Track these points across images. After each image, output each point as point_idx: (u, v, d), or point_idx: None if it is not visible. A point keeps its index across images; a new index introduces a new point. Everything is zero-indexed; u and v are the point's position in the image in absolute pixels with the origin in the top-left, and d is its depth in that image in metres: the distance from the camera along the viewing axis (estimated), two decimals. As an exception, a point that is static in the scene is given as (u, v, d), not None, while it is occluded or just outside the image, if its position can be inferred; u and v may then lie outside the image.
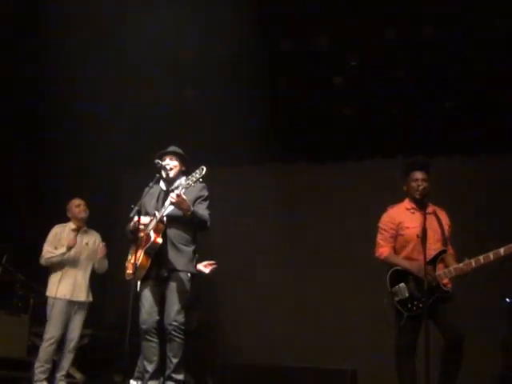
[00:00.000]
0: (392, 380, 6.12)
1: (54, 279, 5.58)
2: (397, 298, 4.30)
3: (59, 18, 5.90)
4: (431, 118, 6.89)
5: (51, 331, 5.44)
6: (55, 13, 5.85)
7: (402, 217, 4.44)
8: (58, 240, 5.66)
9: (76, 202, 5.76)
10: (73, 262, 5.60)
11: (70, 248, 5.55)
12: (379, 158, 7.46)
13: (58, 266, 5.59)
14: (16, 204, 6.86)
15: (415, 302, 4.21)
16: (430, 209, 4.34)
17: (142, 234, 4.37)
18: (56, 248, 5.62)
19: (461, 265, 4.16)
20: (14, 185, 6.86)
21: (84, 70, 6.55)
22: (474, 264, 4.11)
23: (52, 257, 5.58)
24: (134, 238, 4.42)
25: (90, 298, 5.68)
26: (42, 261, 5.64)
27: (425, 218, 4.15)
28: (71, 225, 5.75)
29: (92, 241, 5.76)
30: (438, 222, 4.31)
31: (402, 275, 4.32)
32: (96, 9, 5.94)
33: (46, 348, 5.43)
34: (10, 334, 6.06)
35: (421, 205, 4.32)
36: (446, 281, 4.22)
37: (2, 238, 6.42)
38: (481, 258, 4.10)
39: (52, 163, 7.07)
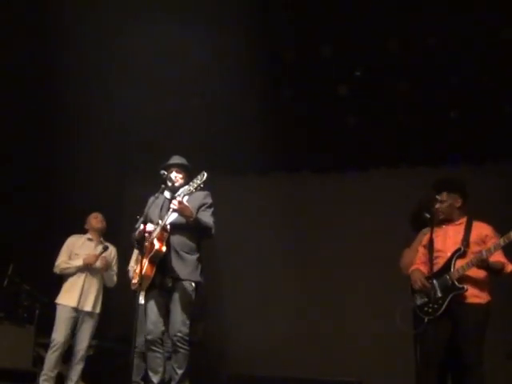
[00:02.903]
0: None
1: (64, 286, 5.62)
2: (417, 303, 4.36)
3: (66, 24, 5.96)
4: (436, 127, 6.88)
5: (55, 337, 5.44)
6: (62, 21, 5.91)
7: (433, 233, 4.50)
8: (72, 250, 5.71)
9: (94, 214, 5.91)
10: (85, 272, 5.62)
11: (86, 264, 5.57)
12: (383, 167, 7.45)
13: (70, 273, 5.63)
14: (22, 215, 6.87)
15: (431, 305, 4.24)
16: (460, 222, 4.41)
17: (146, 244, 4.37)
18: (70, 257, 5.67)
19: (473, 258, 4.19)
20: (20, 196, 6.87)
21: (90, 79, 6.59)
22: (484, 254, 4.13)
23: (67, 268, 5.62)
24: (140, 248, 4.42)
25: (98, 310, 5.67)
26: (57, 270, 5.68)
27: (432, 230, 4.33)
28: (88, 236, 5.84)
29: (108, 253, 5.78)
30: (465, 231, 4.34)
31: None
32: (103, 15, 5.99)
33: (50, 355, 5.43)
34: (16, 345, 6.03)
35: (446, 220, 4.46)
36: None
37: (8, 249, 6.43)
38: (491, 247, 4.14)
39: (58, 174, 7.09)
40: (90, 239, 5.82)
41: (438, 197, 4.47)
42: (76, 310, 5.52)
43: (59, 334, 5.44)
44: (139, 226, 4.45)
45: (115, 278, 5.86)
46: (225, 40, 6.18)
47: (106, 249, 5.67)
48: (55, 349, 5.42)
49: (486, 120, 6.63)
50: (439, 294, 4.20)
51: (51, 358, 5.41)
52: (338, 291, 7.18)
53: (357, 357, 6.78)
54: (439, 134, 6.92)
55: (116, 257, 5.91)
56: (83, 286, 5.59)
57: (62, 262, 5.66)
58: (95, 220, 5.87)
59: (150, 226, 4.41)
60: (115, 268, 5.89)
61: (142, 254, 4.31)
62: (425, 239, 4.54)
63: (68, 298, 5.53)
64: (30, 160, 7.04)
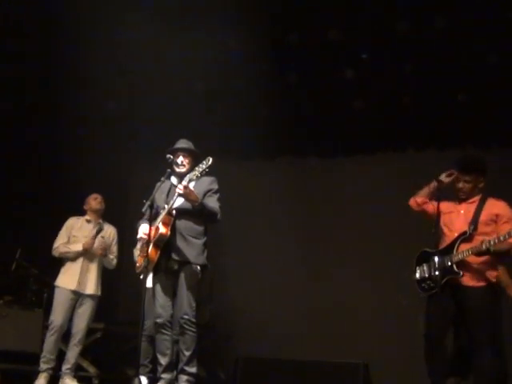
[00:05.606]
0: (403, 374, 6.17)
1: (63, 269, 5.64)
2: (416, 277, 4.38)
3: (68, 14, 5.94)
4: (443, 110, 6.84)
5: (53, 320, 5.47)
6: (64, 11, 5.89)
7: (446, 205, 4.45)
8: (71, 232, 5.72)
9: (94, 195, 5.90)
10: (84, 254, 5.61)
11: (85, 250, 5.57)
12: (390, 151, 7.43)
13: (69, 258, 5.63)
14: (29, 198, 6.90)
15: (429, 282, 4.26)
16: (473, 200, 4.36)
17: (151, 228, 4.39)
18: (69, 240, 5.68)
19: (473, 248, 4.16)
20: (27, 178, 6.89)
21: (96, 64, 6.58)
22: (484, 245, 4.09)
23: (67, 252, 5.63)
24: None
25: (99, 292, 5.67)
26: (55, 253, 5.69)
27: (438, 206, 4.30)
28: (86, 217, 5.84)
29: (107, 234, 5.79)
30: (476, 211, 4.29)
31: (427, 256, 4.39)
32: (107, 6, 5.98)
33: (48, 338, 5.46)
34: (25, 329, 6.10)
35: (462, 199, 4.41)
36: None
37: (16, 233, 6.46)
38: (496, 239, 4.09)
39: (65, 158, 7.11)
40: (88, 221, 5.80)
41: (461, 177, 4.34)
42: (75, 292, 5.52)
43: (57, 317, 5.45)
44: (146, 210, 4.46)
45: (115, 262, 5.84)
46: (231, 23, 6.14)
47: (100, 229, 5.64)
48: (53, 331, 5.44)
49: (495, 103, 6.58)
50: (436, 273, 4.20)
51: (50, 340, 5.44)
52: (348, 275, 7.18)
53: (364, 339, 6.81)
54: (446, 118, 6.87)
55: (116, 238, 5.87)
56: (82, 268, 5.57)
57: (61, 245, 5.66)
58: (95, 201, 5.84)
59: (144, 229, 4.44)
60: (115, 249, 5.86)
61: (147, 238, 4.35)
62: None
63: (67, 280, 5.54)
64: (40, 144, 7.06)
